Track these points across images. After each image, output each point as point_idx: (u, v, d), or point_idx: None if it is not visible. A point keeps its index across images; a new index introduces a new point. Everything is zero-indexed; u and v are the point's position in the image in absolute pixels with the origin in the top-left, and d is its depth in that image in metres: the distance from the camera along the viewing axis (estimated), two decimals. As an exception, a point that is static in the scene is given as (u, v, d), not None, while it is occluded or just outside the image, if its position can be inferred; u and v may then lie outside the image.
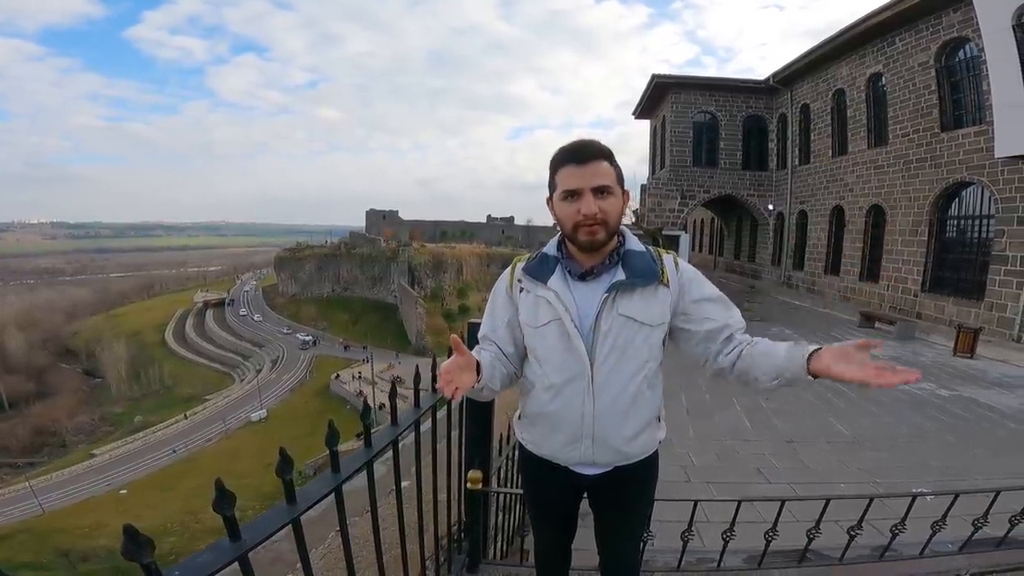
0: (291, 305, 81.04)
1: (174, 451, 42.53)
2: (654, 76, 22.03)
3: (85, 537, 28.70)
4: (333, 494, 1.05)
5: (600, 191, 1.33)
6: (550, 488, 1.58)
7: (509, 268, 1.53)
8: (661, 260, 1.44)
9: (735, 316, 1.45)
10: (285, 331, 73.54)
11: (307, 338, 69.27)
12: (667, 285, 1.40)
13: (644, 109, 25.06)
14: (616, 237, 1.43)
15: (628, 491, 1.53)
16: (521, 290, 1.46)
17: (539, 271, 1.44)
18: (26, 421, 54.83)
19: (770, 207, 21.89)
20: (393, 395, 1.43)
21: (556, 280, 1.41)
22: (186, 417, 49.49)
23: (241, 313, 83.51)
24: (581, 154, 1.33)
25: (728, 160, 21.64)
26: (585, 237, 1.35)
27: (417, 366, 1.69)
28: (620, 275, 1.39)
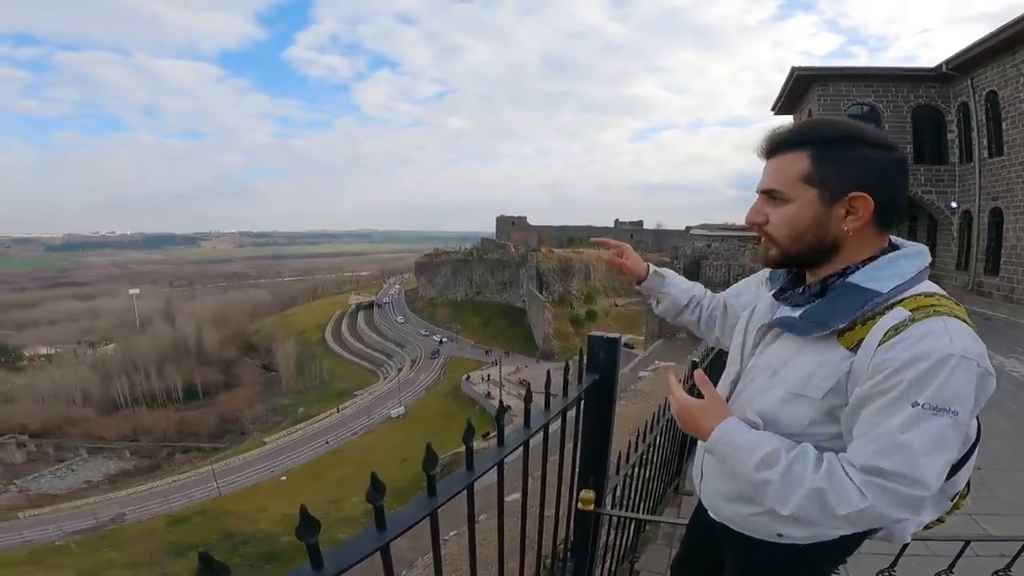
0: (429, 308, 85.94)
1: (326, 442, 47.49)
2: (794, 69, 20.28)
3: (248, 521, 33.16)
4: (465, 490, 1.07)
5: (769, 195, 1.02)
6: (696, 511, 1.40)
7: None
8: (878, 314, 0.92)
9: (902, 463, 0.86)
10: (423, 332, 78.07)
11: (436, 338, 73.51)
12: (851, 349, 0.92)
13: (784, 104, 23.16)
14: (838, 259, 1.00)
15: (733, 559, 1.27)
16: (762, 284, 1.29)
17: (780, 274, 1.16)
18: (214, 409, 65.53)
19: (953, 205, 18.98)
20: (528, 400, 1.37)
21: (769, 294, 1.16)
22: (338, 411, 54.83)
23: (396, 320, 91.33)
24: (763, 146, 1.04)
25: (895, 155, 19.18)
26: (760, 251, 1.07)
27: (548, 370, 1.66)
28: (796, 311, 1.04)
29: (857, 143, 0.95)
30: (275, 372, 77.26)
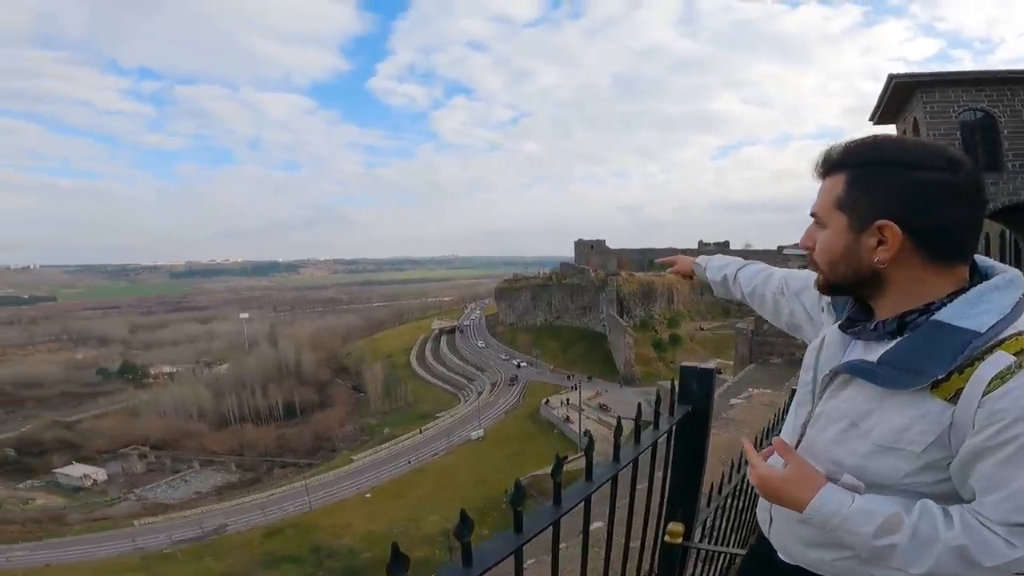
0: (509, 333, 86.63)
1: (408, 462, 48.96)
2: (891, 76, 18.85)
3: (334, 535, 34.52)
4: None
5: (815, 219, 0.95)
6: (755, 550, 1.32)
7: None
8: (976, 359, 0.80)
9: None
10: (503, 357, 78.90)
11: (516, 362, 74.06)
12: (949, 399, 0.81)
13: (884, 114, 21.53)
14: (895, 293, 0.90)
15: None
16: (823, 309, 1.15)
17: (844, 302, 1.04)
18: (310, 427, 69.80)
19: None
20: (618, 433, 1.34)
21: (836, 325, 1.03)
22: (421, 432, 56.41)
23: (477, 344, 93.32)
24: (817, 165, 0.96)
25: (1019, 162, 17.14)
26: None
27: (640, 404, 1.63)
28: (877, 351, 0.90)
29: (900, 165, 0.85)
30: (364, 393, 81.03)
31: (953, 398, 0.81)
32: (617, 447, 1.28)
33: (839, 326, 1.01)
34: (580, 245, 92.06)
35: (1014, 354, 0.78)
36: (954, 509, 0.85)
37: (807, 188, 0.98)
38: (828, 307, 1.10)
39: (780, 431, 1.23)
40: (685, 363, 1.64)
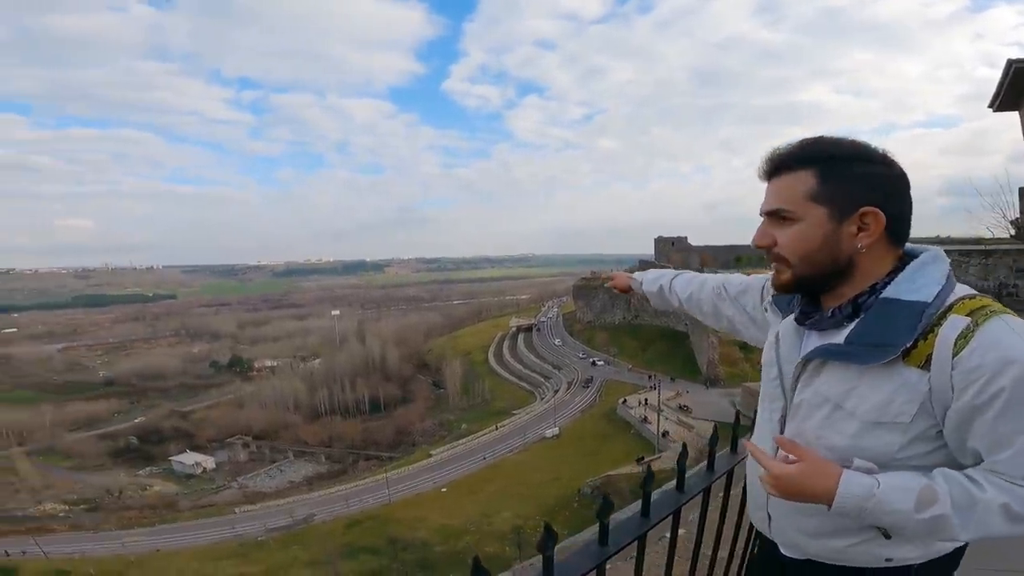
0: (587, 331, 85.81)
1: (484, 458, 49.56)
2: (1010, 62, 16.22)
3: (409, 528, 35.45)
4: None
5: (775, 216, 0.99)
6: (759, 558, 1.30)
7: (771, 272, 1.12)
8: (935, 325, 0.87)
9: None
10: (580, 355, 78.26)
11: (593, 361, 73.50)
12: (922, 367, 0.87)
13: (1005, 100, 18.70)
14: (857, 278, 0.96)
15: None
16: (765, 310, 1.22)
17: (788, 299, 1.10)
18: (393, 421, 72.69)
19: None
20: (713, 443, 1.31)
21: (790, 319, 1.07)
22: (496, 428, 56.98)
23: (554, 342, 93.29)
24: (764, 167, 1.01)
25: None
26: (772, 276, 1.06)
27: (738, 411, 1.55)
28: (839, 336, 0.96)
29: (860, 160, 0.94)
30: (443, 389, 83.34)
31: (925, 365, 0.86)
32: (712, 456, 1.33)
33: (795, 319, 1.06)
34: (660, 242, 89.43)
35: (967, 315, 0.86)
36: (972, 472, 0.88)
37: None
38: (772, 307, 1.18)
39: (752, 435, 1.20)
40: (749, 383, 1.40)
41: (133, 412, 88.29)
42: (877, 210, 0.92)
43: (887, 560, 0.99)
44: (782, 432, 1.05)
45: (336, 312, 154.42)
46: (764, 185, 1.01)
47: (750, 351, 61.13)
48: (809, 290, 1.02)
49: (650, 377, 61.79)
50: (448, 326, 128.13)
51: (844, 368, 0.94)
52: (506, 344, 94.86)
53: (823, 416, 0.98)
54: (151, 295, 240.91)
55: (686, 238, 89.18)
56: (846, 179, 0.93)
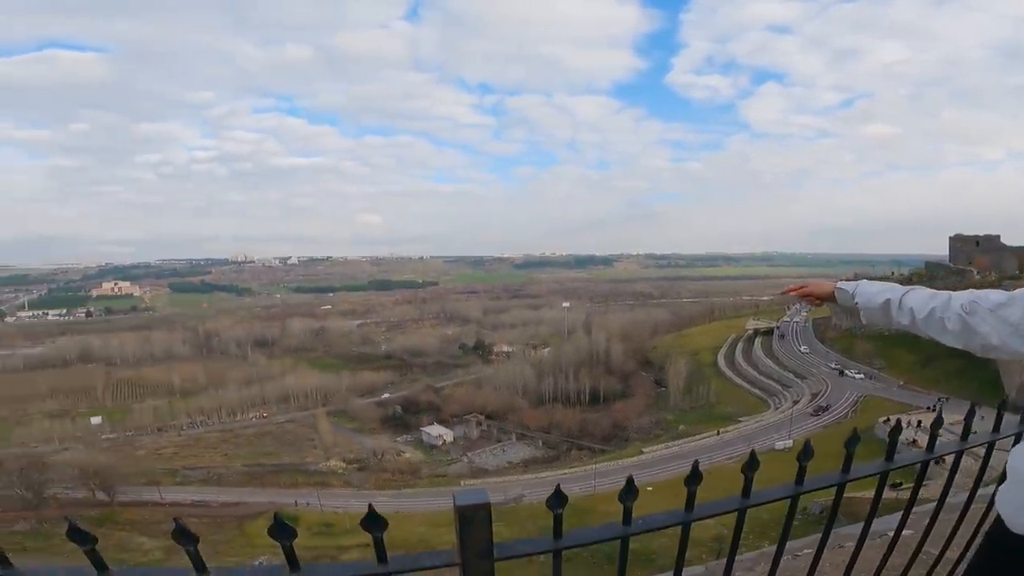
0: (843, 340, 74.59)
1: (697, 462, 46.25)
2: None
3: (604, 520, 34.76)
4: None
5: None
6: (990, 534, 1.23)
7: None
8: None
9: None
10: (832, 365, 68.65)
11: (851, 373, 64.07)
12: None
13: None
14: None
15: None
16: None
17: None
18: (609, 414, 72.85)
19: None
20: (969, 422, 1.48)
21: None
22: (719, 434, 53.14)
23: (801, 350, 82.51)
24: None
25: None
26: None
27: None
28: None
29: None
30: (665, 388, 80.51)
31: None
32: (954, 470, 1.47)
33: None
34: (959, 241, 72.51)
35: None
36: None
37: None
38: None
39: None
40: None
41: (401, 385, 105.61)
42: None
43: None
44: None
45: (566, 304, 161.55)
46: None
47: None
48: None
49: (939, 400, 49.96)
50: (676, 324, 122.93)
51: None
52: (740, 347, 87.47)
53: None
54: (420, 282, 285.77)
55: (998, 237, 69.30)
56: None
